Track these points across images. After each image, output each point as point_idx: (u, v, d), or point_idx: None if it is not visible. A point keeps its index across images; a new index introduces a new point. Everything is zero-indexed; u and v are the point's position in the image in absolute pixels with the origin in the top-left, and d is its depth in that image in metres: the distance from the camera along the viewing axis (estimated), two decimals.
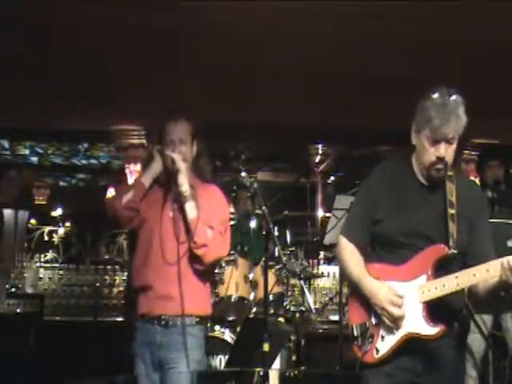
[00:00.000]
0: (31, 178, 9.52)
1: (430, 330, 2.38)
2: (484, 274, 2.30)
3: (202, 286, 2.98)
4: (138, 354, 2.94)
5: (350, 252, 2.61)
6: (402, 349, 2.44)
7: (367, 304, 2.52)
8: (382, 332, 2.48)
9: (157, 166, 3.00)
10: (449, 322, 2.43)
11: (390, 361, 2.46)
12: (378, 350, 2.48)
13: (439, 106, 2.39)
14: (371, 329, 2.51)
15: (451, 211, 2.46)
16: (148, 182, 2.99)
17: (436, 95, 2.42)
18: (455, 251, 2.42)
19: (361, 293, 2.54)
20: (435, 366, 2.47)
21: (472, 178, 5.00)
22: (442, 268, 2.42)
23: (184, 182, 2.89)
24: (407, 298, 2.44)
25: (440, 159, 2.43)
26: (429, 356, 2.46)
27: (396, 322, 2.42)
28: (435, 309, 2.40)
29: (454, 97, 2.41)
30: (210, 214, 2.93)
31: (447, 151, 2.43)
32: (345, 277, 2.82)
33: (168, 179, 2.98)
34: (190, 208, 2.88)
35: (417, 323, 2.40)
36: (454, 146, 2.45)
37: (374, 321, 2.51)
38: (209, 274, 3.07)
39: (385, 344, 2.47)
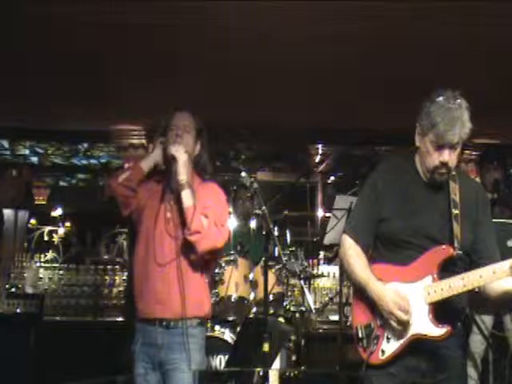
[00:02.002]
0: (29, 177, 9.50)
1: (436, 331, 2.38)
2: (490, 276, 2.30)
3: (201, 287, 2.97)
4: (138, 354, 2.93)
5: (354, 253, 2.59)
6: (407, 349, 2.44)
7: (372, 304, 2.51)
8: (387, 333, 2.48)
9: (156, 154, 3.01)
10: (453, 322, 2.43)
11: (395, 361, 2.46)
12: (383, 352, 2.47)
13: (444, 111, 2.38)
14: (376, 330, 2.50)
15: (455, 211, 2.47)
16: (146, 166, 3.00)
17: (441, 99, 2.41)
18: (460, 252, 2.42)
19: (365, 294, 2.53)
20: (440, 365, 2.47)
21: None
22: (447, 269, 2.42)
23: (182, 171, 2.87)
24: (413, 298, 2.43)
25: (443, 164, 2.44)
26: (433, 356, 2.46)
27: (402, 326, 2.42)
28: (440, 309, 2.40)
29: (458, 101, 2.40)
30: (207, 207, 2.91)
31: (451, 156, 2.43)
32: (348, 277, 2.80)
33: (166, 172, 2.96)
34: (186, 196, 2.86)
35: (423, 324, 2.40)
36: (457, 151, 2.45)
37: (379, 322, 2.50)
38: (207, 272, 3.05)
39: (390, 345, 2.46)
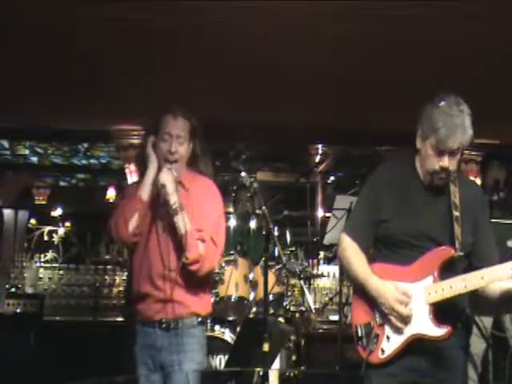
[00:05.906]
0: (29, 180, 9.52)
1: (437, 331, 2.38)
2: (492, 277, 2.31)
3: (201, 285, 2.96)
4: (138, 356, 2.93)
5: (353, 251, 2.60)
6: (408, 349, 2.44)
7: (372, 303, 2.52)
8: (387, 332, 2.48)
9: (151, 172, 2.88)
10: (454, 323, 2.43)
11: (395, 361, 2.46)
12: (383, 351, 2.47)
13: (446, 116, 2.38)
14: (376, 329, 2.50)
15: (456, 213, 2.47)
16: (147, 194, 2.87)
17: (443, 103, 2.41)
18: (461, 253, 2.43)
19: (365, 292, 2.53)
20: (440, 366, 2.47)
21: (472, 179, 5.00)
22: (447, 270, 2.43)
23: (172, 196, 2.77)
24: (413, 299, 2.43)
25: (443, 169, 2.44)
26: (434, 356, 2.46)
27: (404, 321, 2.42)
28: (441, 310, 2.40)
29: (461, 107, 2.41)
30: (202, 212, 2.86)
31: (451, 162, 2.44)
32: (346, 276, 2.81)
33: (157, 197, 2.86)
34: (180, 222, 2.76)
35: (424, 324, 2.41)
36: (458, 156, 2.46)
37: (378, 320, 2.51)
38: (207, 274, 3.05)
39: (390, 344, 2.46)
